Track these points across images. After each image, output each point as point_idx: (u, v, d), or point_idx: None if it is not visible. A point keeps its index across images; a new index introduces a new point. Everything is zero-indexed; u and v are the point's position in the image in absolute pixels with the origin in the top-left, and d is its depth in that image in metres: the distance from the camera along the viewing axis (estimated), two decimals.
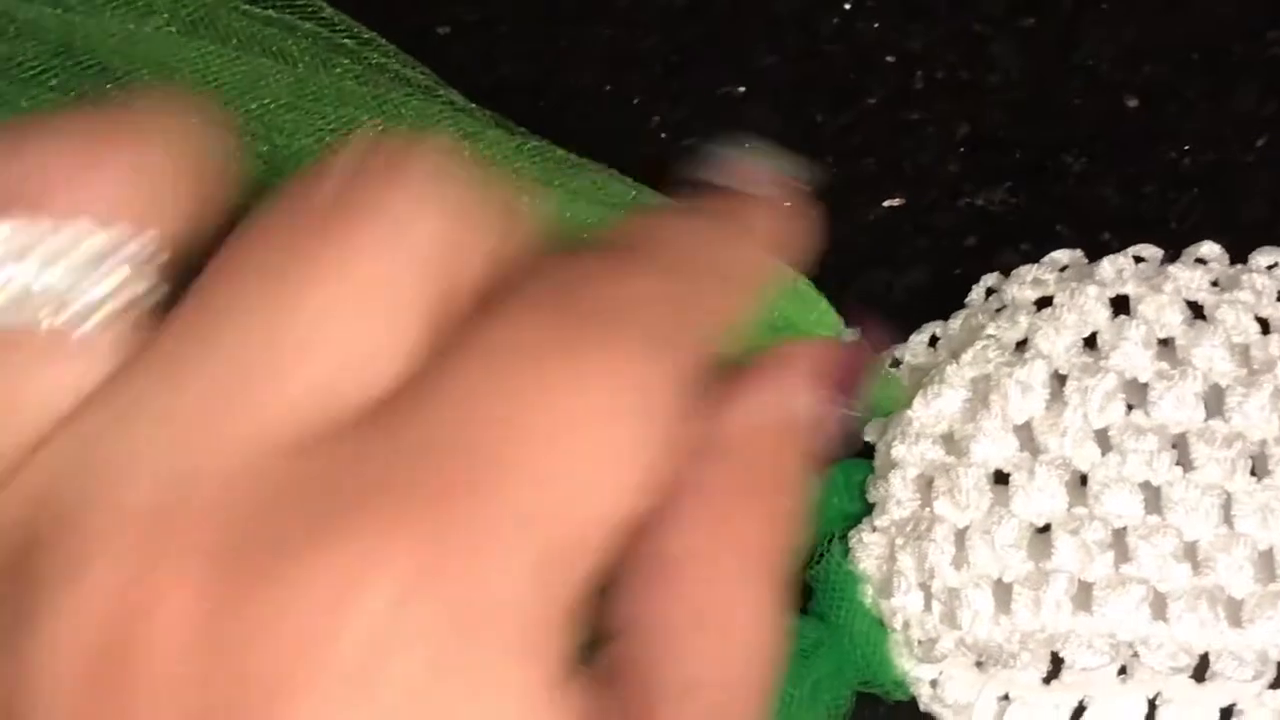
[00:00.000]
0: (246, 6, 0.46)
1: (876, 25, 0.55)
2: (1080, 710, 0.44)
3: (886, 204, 0.53)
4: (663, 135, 0.54)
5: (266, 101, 0.45)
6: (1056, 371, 0.45)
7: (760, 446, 0.34)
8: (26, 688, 0.26)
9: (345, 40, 0.46)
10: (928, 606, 0.44)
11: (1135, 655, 0.42)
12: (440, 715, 0.26)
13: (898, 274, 0.52)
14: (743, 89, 0.55)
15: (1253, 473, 0.43)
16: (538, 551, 0.27)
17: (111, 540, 0.26)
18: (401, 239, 0.28)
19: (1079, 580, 0.43)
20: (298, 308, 0.27)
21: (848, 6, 0.56)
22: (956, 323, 0.48)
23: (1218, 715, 0.43)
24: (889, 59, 0.55)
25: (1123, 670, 0.43)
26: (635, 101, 0.54)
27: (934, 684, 0.44)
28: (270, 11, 0.46)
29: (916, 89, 0.55)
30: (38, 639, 0.26)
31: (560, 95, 0.54)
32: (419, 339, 0.28)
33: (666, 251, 0.33)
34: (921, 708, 0.44)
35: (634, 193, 0.46)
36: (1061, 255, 0.48)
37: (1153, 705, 0.43)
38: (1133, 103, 0.55)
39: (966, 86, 0.55)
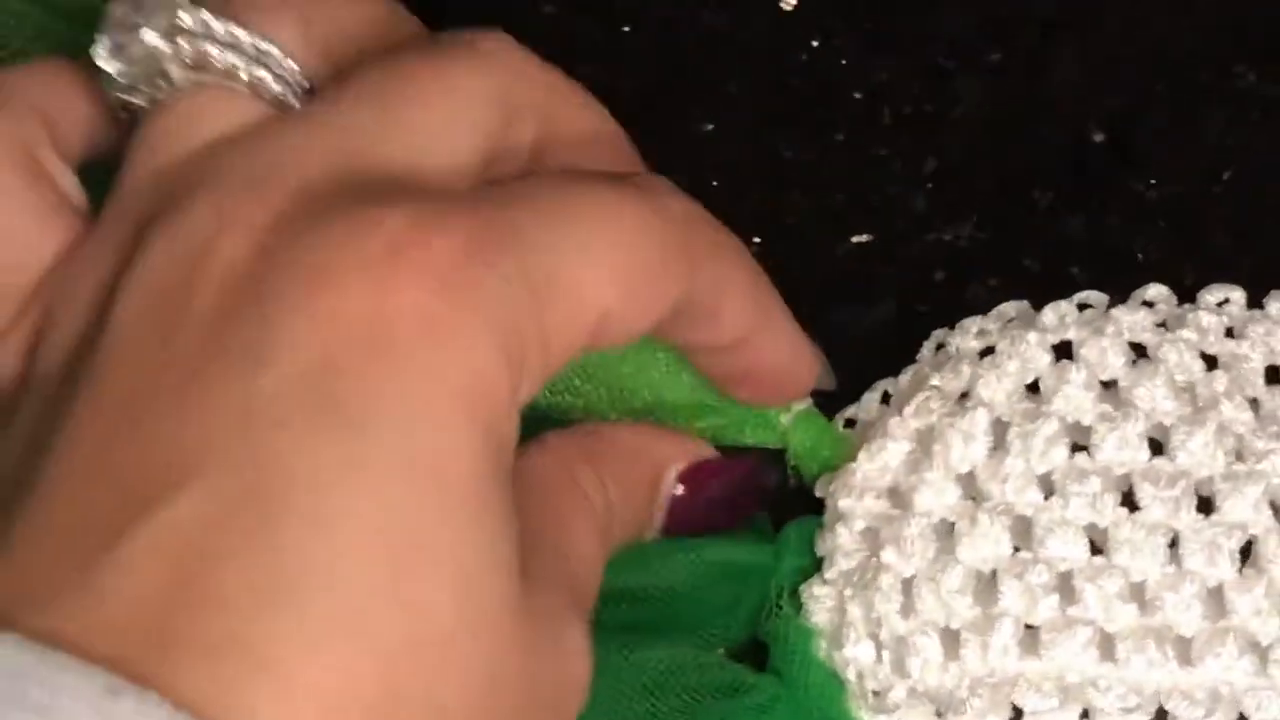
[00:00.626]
0: None
1: (843, 61, 0.56)
2: None
3: (855, 239, 0.53)
4: None
5: None
6: (999, 419, 0.45)
7: None
8: None
9: None
10: (879, 656, 0.44)
11: (1086, 699, 0.43)
12: None
13: (867, 308, 0.52)
14: (711, 126, 0.55)
15: (1199, 509, 0.44)
16: None
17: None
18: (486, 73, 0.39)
19: (1025, 624, 0.43)
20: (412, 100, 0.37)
21: (815, 43, 0.56)
22: (905, 378, 0.48)
23: None
24: (856, 95, 0.55)
25: (1085, 715, 0.43)
26: None
27: None
28: None
29: (884, 124, 0.55)
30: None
31: None
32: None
33: None
34: None
35: None
36: (1009, 308, 0.48)
37: None
38: (1099, 136, 0.55)
39: (933, 121, 0.55)
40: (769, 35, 0.56)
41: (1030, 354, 0.46)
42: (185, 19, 0.37)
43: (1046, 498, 0.44)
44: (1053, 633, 0.43)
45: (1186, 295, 0.49)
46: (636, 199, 0.38)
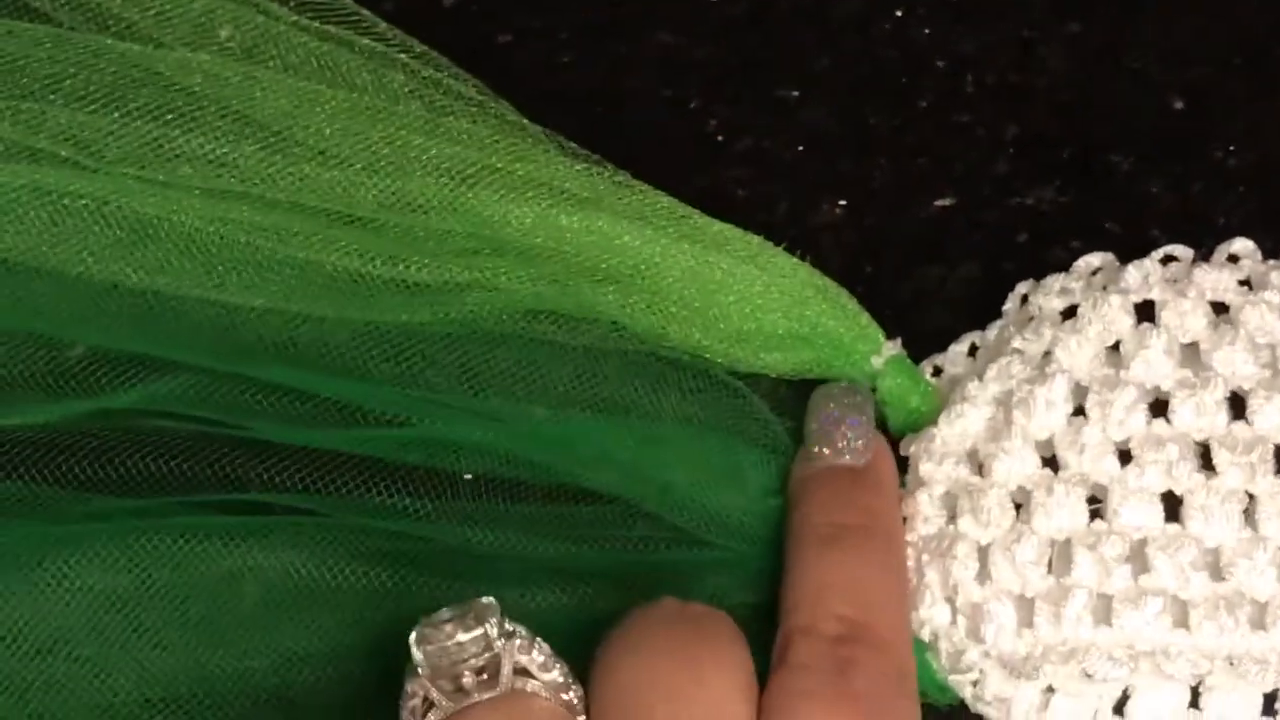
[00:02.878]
0: (305, 22, 0.46)
1: (928, 31, 0.56)
2: (1124, 699, 0.44)
3: (939, 203, 0.54)
4: (719, 138, 0.54)
5: (320, 122, 0.45)
6: (1079, 383, 0.45)
7: None
8: None
9: (400, 55, 0.47)
10: (954, 620, 0.44)
11: (1157, 663, 0.43)
12: None
13: (951, 270, 0.52)
14: (797, 93, 0.55)
15: (1277, 474, 0.43)
16: None
17: None
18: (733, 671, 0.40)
19: (1098, 594, 0.43)
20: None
21: (899, 13, 0.56)
22: (992, 333, 0.48)
23: (1261, 700, 0.43)
24: (940, 63, 0.55)
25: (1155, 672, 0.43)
26: (692, 105, 0.55)
27: (975, 684, 0.44)
28: (328, 27, 0.46)
29: (967, 92, 0.55)
30: None
31: (619, 100, 0.55)
32: None
33: None
34: (971, 709, 0.45)
35: (681, 213, 0.46)
36: (1093, 259, 0.48)
37: (1195, 692, 0.43)
38: (1178, 104, 0.55)
39: (1015, 89, 0.55)
40: (854, 5, 0.56)
41: (1112, 316, 0.45)
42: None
43: (1123, 465, 0.44)
44: (1125, 602, 0.43)
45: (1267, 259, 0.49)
46: None
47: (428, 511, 0.45)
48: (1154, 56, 0.55)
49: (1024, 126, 0.55)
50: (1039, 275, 0.49)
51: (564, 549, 0.45)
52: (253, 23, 0.48)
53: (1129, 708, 0.43)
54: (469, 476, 0.46)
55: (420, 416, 0.45)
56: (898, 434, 0.48)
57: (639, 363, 0.47)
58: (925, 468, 0.45)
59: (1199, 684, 0.43)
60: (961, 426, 0.45)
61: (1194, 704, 0.43)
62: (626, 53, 0.55)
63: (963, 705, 0.45)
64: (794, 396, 0.48)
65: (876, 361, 0.48)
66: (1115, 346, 0.45)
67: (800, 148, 0.54)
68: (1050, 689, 0.44)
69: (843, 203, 0.53)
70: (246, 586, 0.44)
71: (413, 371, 0.45)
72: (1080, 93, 0.55)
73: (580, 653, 0.41)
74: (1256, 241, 0.49)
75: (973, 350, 0.49)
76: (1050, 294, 0.47)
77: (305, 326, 0.45)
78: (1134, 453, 0.43)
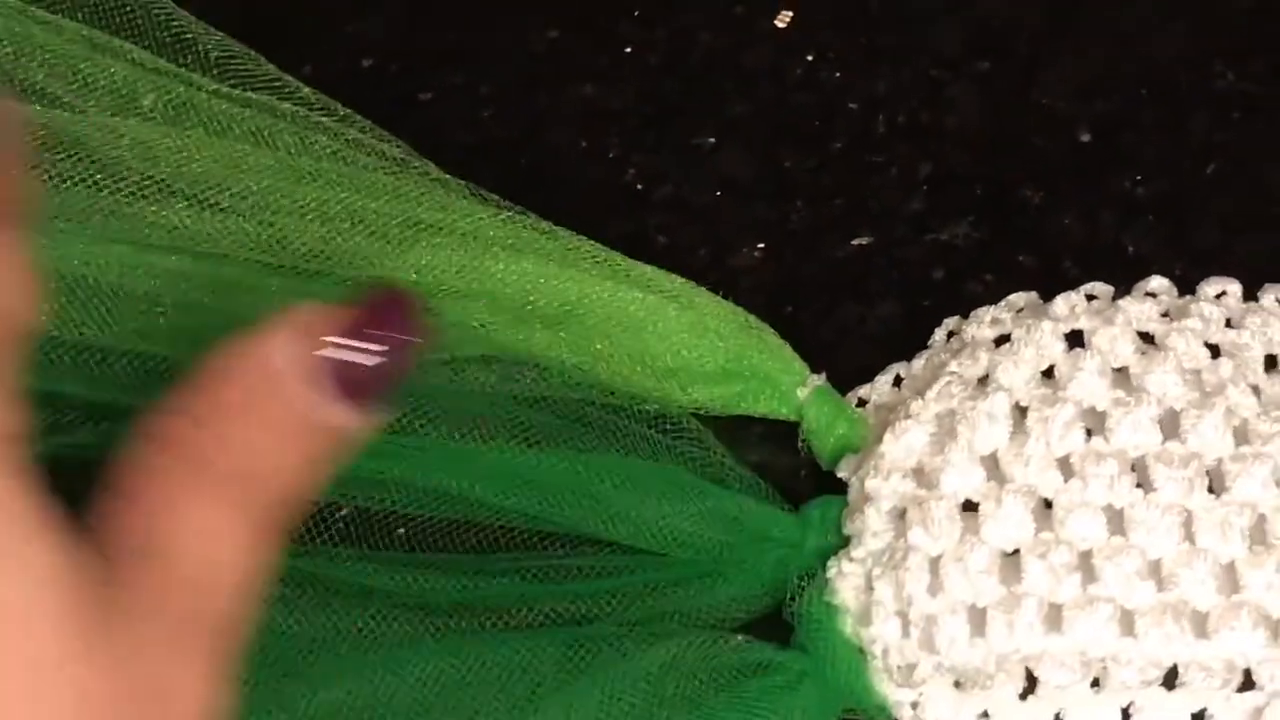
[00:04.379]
0: (227, 90, 0.46)
1: (839, 74, 0.56)
2: None
3: (855, 242, 0.54)
4: (639, 187, 0.55)
5: (248, 180, 0.45)
6: (1018, 403, 0.45)
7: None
8: None
9: (323, 119, 0.47)
10: (906, 633, 0.44)
11: (1106, 669, 0.43)
12: None
13: (870, 308, 0.53)
14: (713, 139, 0.55)
15: (1210, 490, 0.44)
16: None
17: None
18: None
19: (1049, 602, 0.43)
20: None
21: (810, 58, 0.56)
22: (919, 363, 0.49)
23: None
24: (852, 105, 0.56)
25: (1096, 682, 0.43)
26: (611, 155, 0.55)
27: (915, 706, 0.45)
28: (250, 94, 0.47)
29: (879, 132, 0.56)
30: None
31: (540, 152, 0.55)
32: None
33: None
34: None
35: (604, 255, 0.47)
36: (1018, 298, 0.49)
37: (1126, 714, 0.44)
38: (1086, 137, 0.55)
39: (927, 128, 0.56)
40: (766, 52, 0.57)
41: (1045, 341, 0.46)
42: None
43: (1066, 480, 0.44)
44: (1075, 610, 0.43)
45: (1177, 287, 0.50)
46: None
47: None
48: (1061, 91, 0.56)
49: (937, 164, 0.55)
50: (956, 310, 0.50)
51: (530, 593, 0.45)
52: (174, 91, 0.48)
53: None
54: (401, 531, 0.46)
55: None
56: (827, 463, 0.48)
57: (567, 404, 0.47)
58: (872, 484, 0.46)
59: (1129, 706, 0.44)
60: (906, 442, 0.46)
61: None
62: (546, 105, 0.56)
63: None
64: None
65: (803, 393, 0.48)
66: (1049, 372, 0.46)
67: (718, 193, 0.55)
68: (986, 714, 0.44)
69: (761, 245, 0.53)
70: None
71: None
72: (990, 130, 0.55)
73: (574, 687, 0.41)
74: (1166, 268, 0.50)
75: (898, 381, 0.49)
76: (982, 324, 0.48)
77: None
78: (1075, 467, 0.44)
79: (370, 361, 0.35)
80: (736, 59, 0.56)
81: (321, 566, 0.44)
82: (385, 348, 0.35)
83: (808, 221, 0.55)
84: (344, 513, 0.46)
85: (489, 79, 0.56)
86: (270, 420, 0.34)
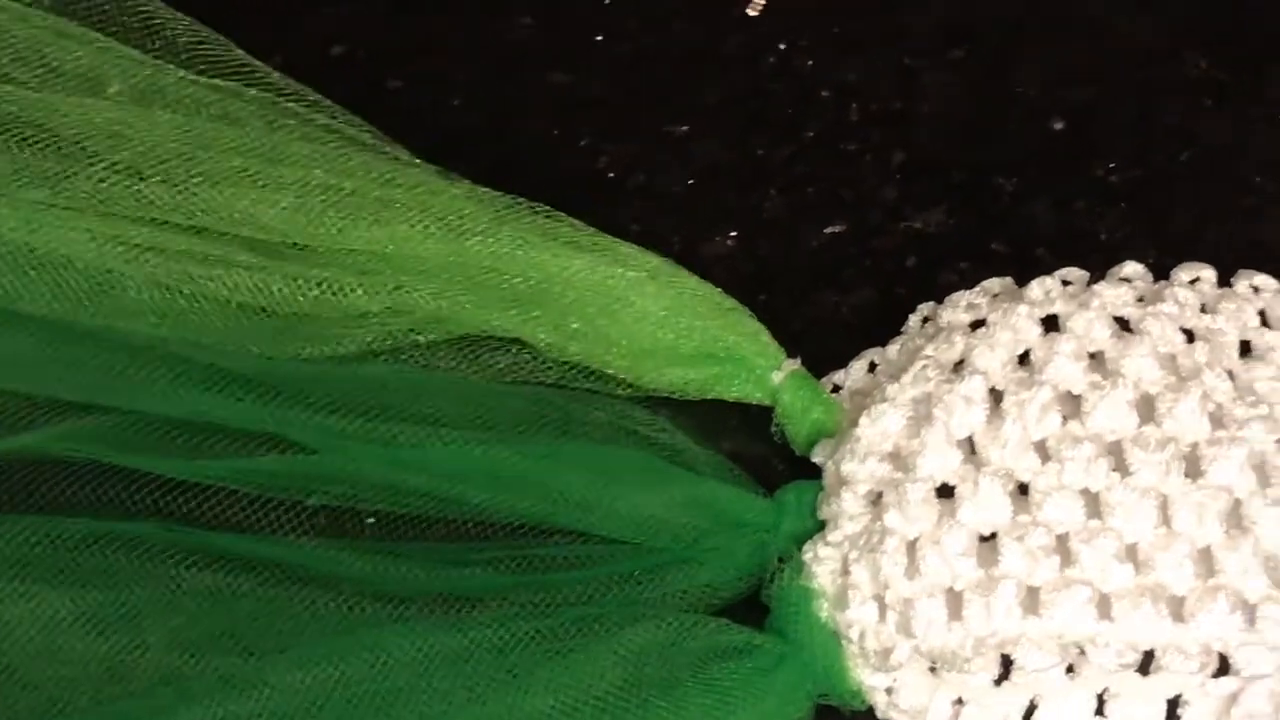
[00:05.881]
0: (194, 76, 0.46)
1: (812, 62, 0.56)
2: (1031, 709, 0.43)
3: (829, 230, 0.53)
4: (611, 175, 0.54)
5: (220, 163, 0.45)
6: (994, 387, 0.45)
7: None
8: None
9: (291, 104, 0.47)
10: (882, 617, 0.44)
11: (1082, 654, 0.42)
12: None
13: (844, 295, 0.52)
14: (686, 128, 0.55)
15: (1186, 474, 0.44)
16: None
17: None
18: None
19: (1026, 585, 0.43)
20: None
21: (783, 46, 0.56)
22: (894, 348, 0.48)
23: (1164, 706, 0.43)
24: (825, 93, 0.56)
25: (1070, 669, 0.43)
26: (583, 144, 0.55)
27: (889, 691, 0.44)
28: (218, 80, 0.46)
29: (852, 120, 0.56)
30: None
31: (511, 141, 0.54)
32: None
33: None
34: (879, 715, 0.44)
35: (582, 232, 0.46)
36: (993, 283, 0.48)
37: (1101, 700, 0.43)
38: (1059, 125, 0.55)
39: (900, 116, 0.55)
40: (738, 41, 0.57)
41: (1021, 325, 0.46)
42: None
43: (1043, 463, 0.44)
44: (1053, 593, 0.43)
45: (1151, 274, 0.49)
46: None
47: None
48: (1035, 80, 0.55)
49: (910, 152, 0.55)
50: (930, 298, 0.50)
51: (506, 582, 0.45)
52: (140, 76, 0.47)
53: (1035, 717, 0.44)
54: (371, 520, 0.46)
55: (322, 448, 0.44)
56: (801, 448, 0.48)
57: (541, 396, 0.46)
58: (847, 467, 0.45)
59: (1104, 692, 0.43)
60: (882, 426, 0.45)
61: (1099, 712, 0.43)
62: (516, 94, 0.55)
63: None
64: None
65: (777, 377, 0.48)
66: (1024, 357, 0.46)
67: (691, 181, 0.54)
68: (960, 700, 0.44)
69: (734, 233, 0.53)
70: None
71: (312, 401, 0.45)
72: (964, 118, 0.55)
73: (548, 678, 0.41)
74: (1139, 255, 0.49)
75: (872, 367, 0.49)
76: (957, 309, 0.48)
77: (203, 356, 0.45)
78: (1051, 450, 0.44)
79: None
80: (709, 47, 0.56)
81: (291, 553, 0.44)
82: None
83: (781, 209, 0.54)
84: (312, 501, 0.45)
85: (460, 67, 0.55)
86: None
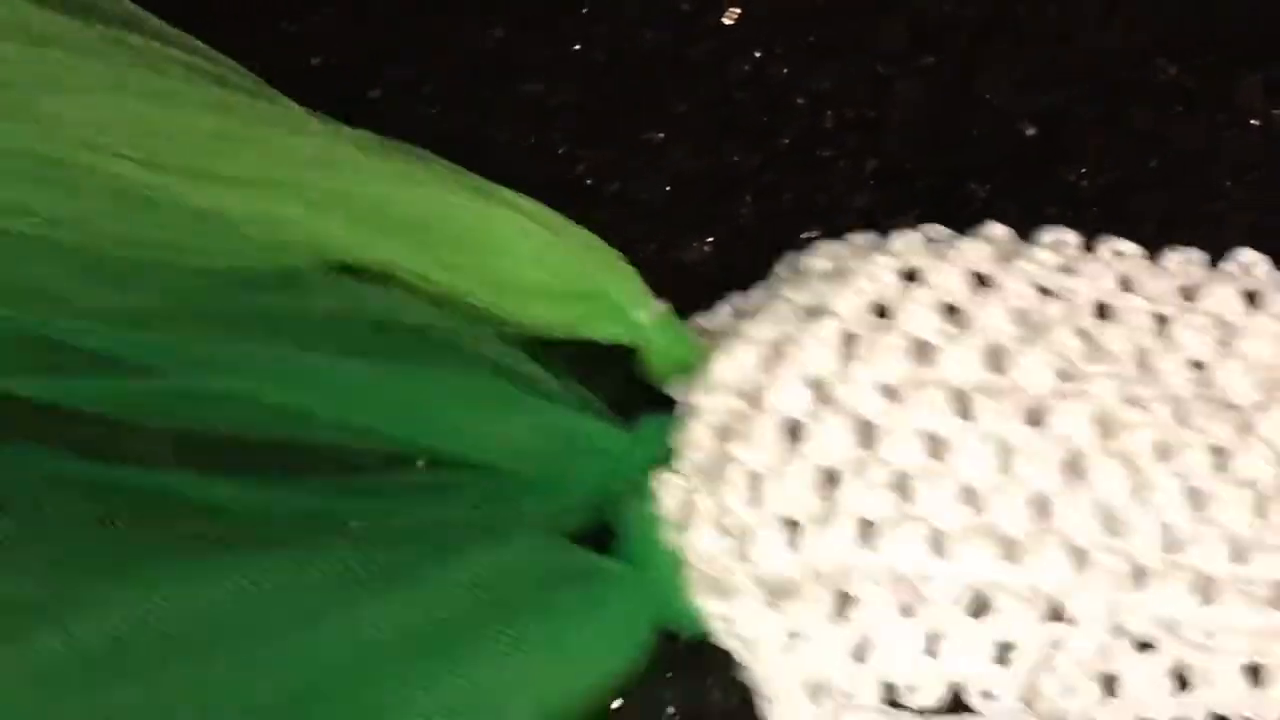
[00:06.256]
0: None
1: (786, 70, 0.59)
2: (864, 645, 0.46)
3: (804, 236, 0.56)
4: (588, 182, 0.57)
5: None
6: (847, 331, 0.48)
7: None
8: None
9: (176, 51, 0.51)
10: (723, 544, 0.47)
11: (917, 594, 0.45)
12: None
13: None
14: (662, 135, 0.57)
15: (1029, 423, 0.47)
16: None
17: None
18: None
19: (863, 518, 0.46)
20: None
21: (758, 53, 0.59)
22: (757, 294, 0.52)
23: (994, 650, 0.46)
24: (799, 100, 0.59)
25: (905, 610, 0.46)
26: (559, 151, 0.57)
27: (726, 620, 0.47)
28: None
29: (826, 127, 0.58)
30: None
31: (487, 148, 0.57)
32: None
33: None
34: (715, 642, 0.47)
35: (460, 174, 0.51)
36: (858, 236, 0.52)
37: (932, 640, 0.46)
38: (1030, 130, 0.57)
39: (873, 123, 0.58)
40: (713, 49, 0.60)
41: (879, 274, 0.49)
42: None
43: (889, 404, 0.47)
44: (890, 528, 0.46)
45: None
46: None
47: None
48: (1005, 85, 0.59)
49: (883, 159, 0.58)
50: None
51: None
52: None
53: (868, 653, 0.46)
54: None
55: (171, 366, 0.47)
56: (662, 385, 0.51)
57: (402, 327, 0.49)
58: (698, 398, 0.48)
59: (936, 633, 0.46)
60: (736, 361, 0.48)
61: (930, 652, 0.46)
62: (493, 101, 0.57)
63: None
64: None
65: (644, 318, 0.51)
66: (880, 310, 0.48)
67: (667, 188, 0.55)
68: (795, 634, 0.46)
69: (710, 240, 0.54)
70: None
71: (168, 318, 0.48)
72: (935, 124, 0.58)
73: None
74: None
75: (736, 313, 0.52)
76: (820, 256, 0.51)
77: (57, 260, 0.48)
78: (899, 393, 0.47)
79: None
80: (683, 55, 0.60)
81: (136, 479, 0.47)
82: None
83: (757, 216, 0.57)
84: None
85: (435, 76, 0.57)
86: None
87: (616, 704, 0.47)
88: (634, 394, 0.51)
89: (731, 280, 0.54)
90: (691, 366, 0.50)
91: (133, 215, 0.49)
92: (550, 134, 0.57)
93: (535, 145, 0.57)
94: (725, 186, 0.57)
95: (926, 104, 0.57)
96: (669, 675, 0.48)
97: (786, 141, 0.57)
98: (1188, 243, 0.53)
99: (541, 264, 0.50)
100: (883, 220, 0.54)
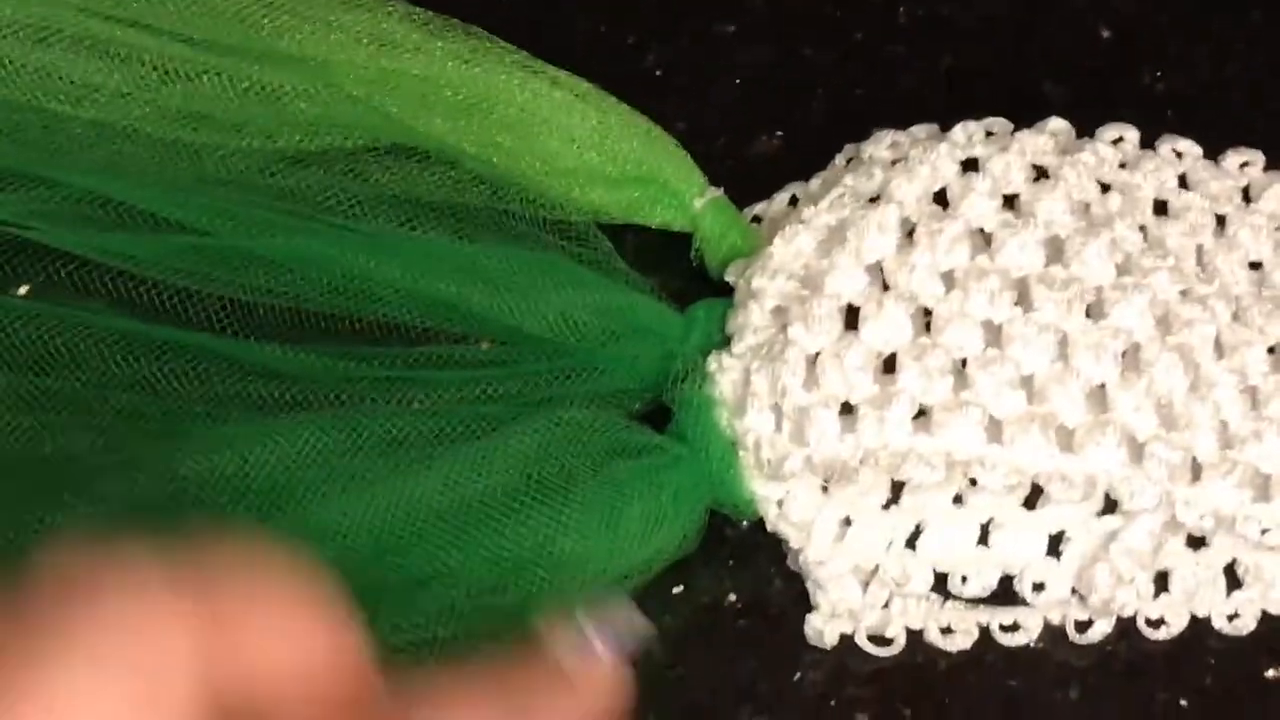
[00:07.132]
0: None
1: None
2: (916, 533, 0.47)
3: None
4: (658, 74, 0.57)
5: None
6: (908, 218, 0.48)
7: None
8: None
9: None
10: (778, 426, 0.47)
11: (971, 482, 0.45)
12: None
13: None
14: (733, 28, 0.57)
15: (1089, 315, 0.47)
16: None
17: None
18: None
19: (920, 403, 0.46)
20: None
21: None
22: (816, 181, 0.52)
23: (1046, 540, 0.46)
24: None
25: (958, 499, 0.46)
26: (630, 42, 0.57)
27: (780, 504, 0.47)
28: None
29: (900, 24, 0.58)
30: None
31: (559, 38, 0.57)
32: None
33: None
34: (769, 527, 0.47)
35: (514, 54, 0.51)
36: (919, 128, 0.52)
37: (985, 530, 0.46)
38: (1107, 33, 0.57)
39: (947, 21, 0.58)
40: None
41: (940, 163, 0.49)
42: None
43: (948, 291, 0.47)
44: (945, 412, 0.46)
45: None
46: None
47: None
48: None
49: (957, 58, 0.58)
50: None
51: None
52: None
53: (920, 541, 0.47)
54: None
55: (229, 228, 0.48)
56: (716, 272, 0.51)
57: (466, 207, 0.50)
58: (758, 281, 0.48)
59: (989, 522, 0.46)
60: (796, 246, 0.48)
61: (983, 541, 0.46)
62: None
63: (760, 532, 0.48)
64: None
65: (699, 203, 0.51)
66: (941, 196, 0.49)
67: (737, 81, 0.55)
68: (848, 520, 0.46)
69: (780, 134, 0.54)
70: None
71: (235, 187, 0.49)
72: (1011, 24, 0.58)
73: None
74: None
75: (794, 201, 0.53)
76: (881, 144, 0.51)
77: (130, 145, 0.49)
78: (958, 281, 0.47)
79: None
80: None
81: (193, 339, 0.48)
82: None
83: (827, 111, 0.57)
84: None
85: None
86: None
87: (678, 589, 0.48)
88: (693, 287, 0.51)
89: (800, 176, 0.54)
90: (748, 253, 0.50)
91: (189, 93, 0.50)
92: (622, 25, 0.57)
93: (605, 34, 0.57)
94: (797, 81, 0.57)
95: (1003, 2, 0.57)
96: (730, 563, 0.48)
97: (859, 37, 0.57)
98: (1268, 142, 0.53)
99: (595, 147, 0.50)
100: (954, 121, 0.55)
